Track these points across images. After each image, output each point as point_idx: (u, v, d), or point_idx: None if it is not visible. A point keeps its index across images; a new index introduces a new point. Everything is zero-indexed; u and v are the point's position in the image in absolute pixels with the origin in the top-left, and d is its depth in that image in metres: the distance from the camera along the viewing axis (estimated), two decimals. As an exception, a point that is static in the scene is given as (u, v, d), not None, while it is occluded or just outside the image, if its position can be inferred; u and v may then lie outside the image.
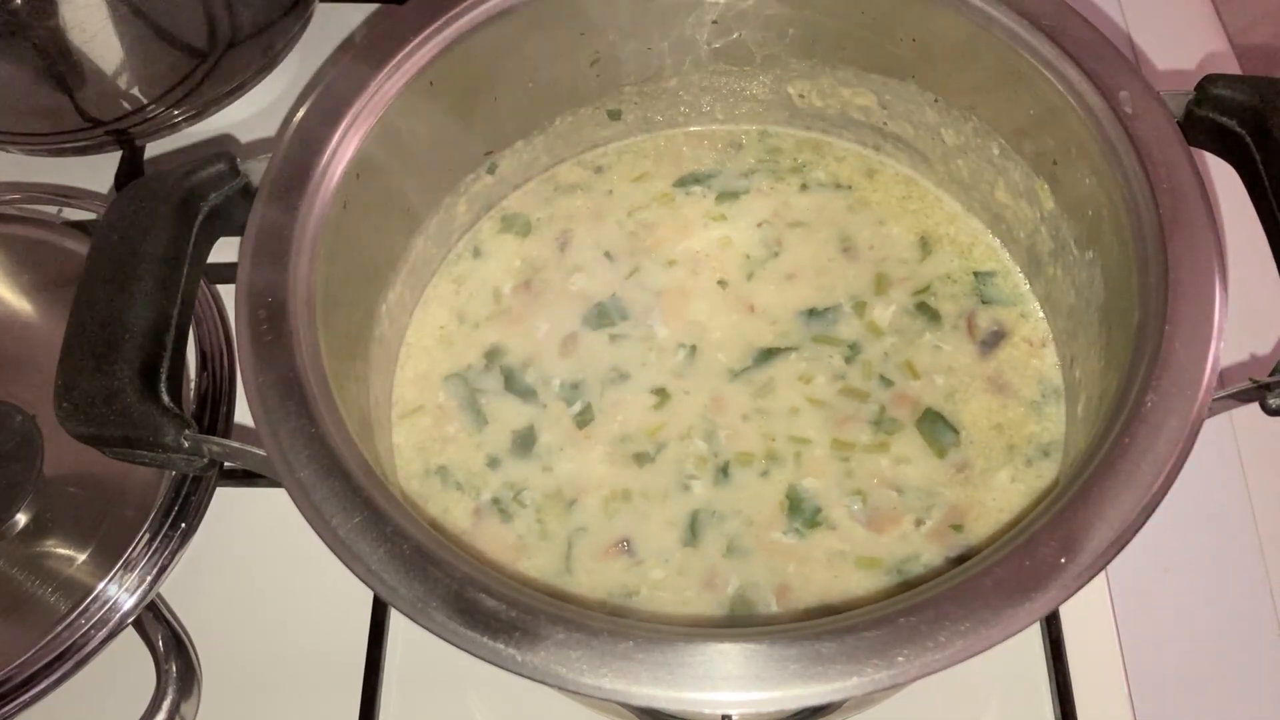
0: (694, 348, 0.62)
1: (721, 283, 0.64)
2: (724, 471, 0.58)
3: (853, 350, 0.61)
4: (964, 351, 0.61)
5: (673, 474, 0.58)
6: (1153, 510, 0.42)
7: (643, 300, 0.64)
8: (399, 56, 0.56)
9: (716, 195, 0.68)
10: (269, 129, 0.85)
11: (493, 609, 0.41)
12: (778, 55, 0.65)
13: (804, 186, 0.68)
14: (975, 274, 0.64)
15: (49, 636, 0.59)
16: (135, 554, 0.61)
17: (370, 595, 0.63)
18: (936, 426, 0.58)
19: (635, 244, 0.66)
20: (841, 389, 0.60)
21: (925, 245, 0.65)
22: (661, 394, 0.61)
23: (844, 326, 0.62)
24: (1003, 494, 0.57)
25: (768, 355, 0.62)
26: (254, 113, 0.85)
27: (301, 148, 0.53)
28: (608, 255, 0.66)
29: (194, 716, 0.62)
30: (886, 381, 0.60)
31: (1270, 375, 0.47)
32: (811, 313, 0.63)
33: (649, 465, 0.58)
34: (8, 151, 0.80)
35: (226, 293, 0.74)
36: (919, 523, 0.56)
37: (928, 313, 0.62)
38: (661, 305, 0.64)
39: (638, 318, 0.63)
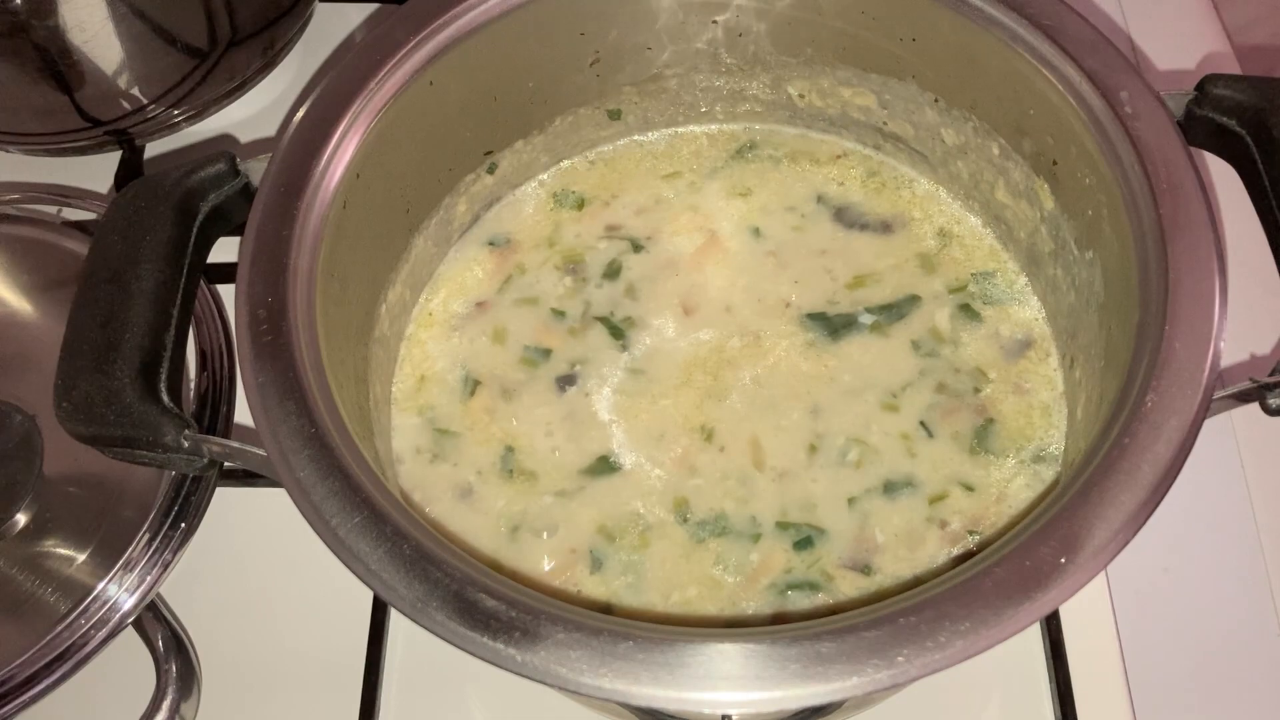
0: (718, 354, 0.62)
1: (736, 274, 0.64)
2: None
3: (921, 351, 0.61)
4: (994, 354, 0.61)
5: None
6: (1153, 510, 0.42)
7: (653, 293, 0.64)
8: (399, 56, 0.56)
9: (715, 192, 0.68)
10: (269, 129, 0.85)
11: (493, 609, 0.41)
12: (778, 55, 0.65)
13: (804, 184, 0.68)
14: (973, 275, 0.64)
15: (49, 636, 0.59)
16: (135, 554, 0.61)
17: (370, 595, 0.63)
18: (991, 431, 0.58)
19: (640, 235, 0.66)
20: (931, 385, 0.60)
21: (928, 245, 0.65)
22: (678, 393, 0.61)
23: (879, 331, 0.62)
24: (1014, 496, 0.57)
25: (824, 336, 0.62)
26: (254, 113, 0.85)
27: (301, 148, 0.53)
28: (615, 247, 0.66)
29: (194, 716, 0.62)
30: (980, 377, 0.60)
31: (1270, 375, 0.47)
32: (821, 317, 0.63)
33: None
34: (8, 151, 0.80)
35: (226, 293, 0.74)
36: (943, 525, 0.56)
37: (969, 313, 0.62)
38: (675, 300, 0.64)
39: (649, 314, 0.64)
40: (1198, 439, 0.44)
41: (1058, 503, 0.43)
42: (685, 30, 0.64)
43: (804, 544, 0.55)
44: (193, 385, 0.67)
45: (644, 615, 0.54)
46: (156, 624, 0.62)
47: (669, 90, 0.67)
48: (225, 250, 0.55)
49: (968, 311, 0.62)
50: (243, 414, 0.67)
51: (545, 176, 0.69)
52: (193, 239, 0.52)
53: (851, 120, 0.67)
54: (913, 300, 0.63)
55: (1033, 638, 0.63)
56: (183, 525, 0.63)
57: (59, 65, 0.72)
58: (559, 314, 0.64)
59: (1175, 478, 0.43)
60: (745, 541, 0.56)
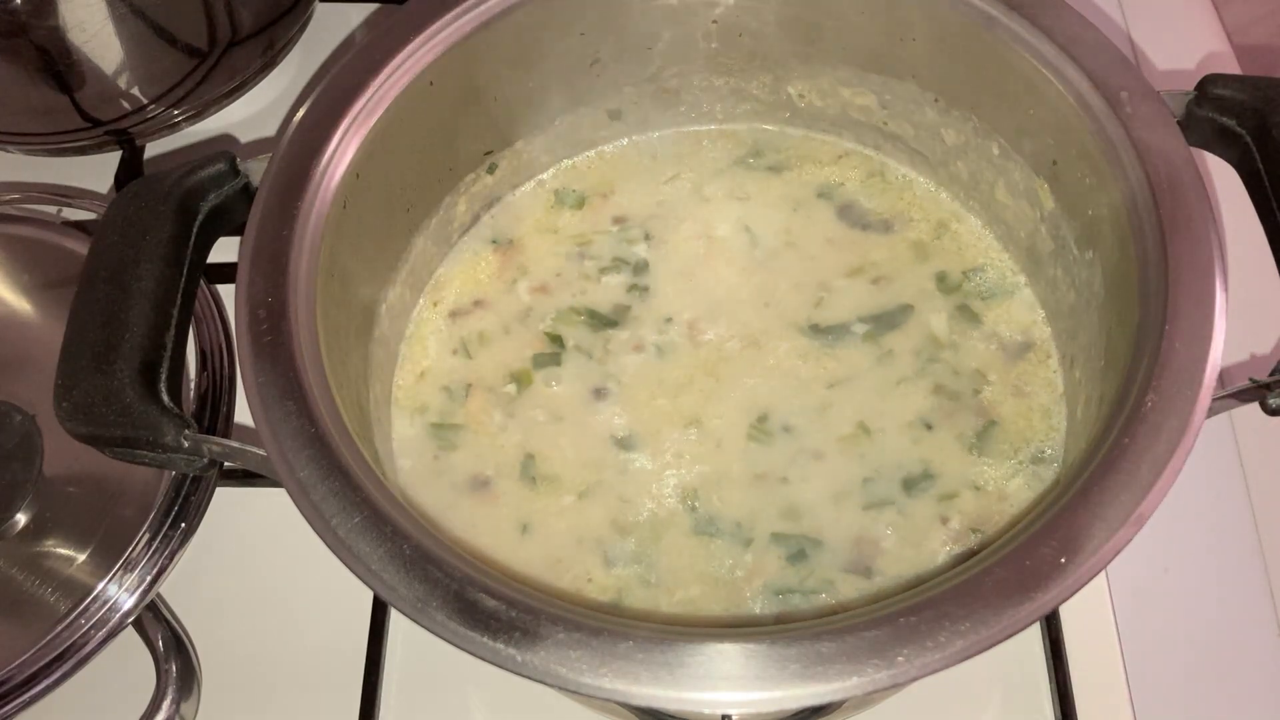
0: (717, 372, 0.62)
1: (736, 276, 0.64)
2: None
3: (921, 356, 0.61)
4: (994, 354, 0.61)
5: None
6: (1153, 510, 0.42)
7: (653, 293, 0.64)
8: (399, 56, 0.56)
9: (715, 193, 0.68)
10: (269, 129, 0.85)
11: (493, 609, 0.41)
12: (778, 55, 0.65)
13: (804, 185, 0.68)
14: (966, 272, 0.63)
15: (49, 636, 0.59)
16: (135, 554, 0.61)
17: (370, 595, 0.63)
18: (994, 433, 0.58)
19: (640, 236, 0.66)
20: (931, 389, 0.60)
21: (927, 243, 0.65)
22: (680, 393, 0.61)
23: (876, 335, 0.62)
24: (1015, 496, 0.57)
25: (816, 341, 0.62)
26: (254, 113, 0.85)
27: (301, 148, 0.53)
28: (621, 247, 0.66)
29: (194, 716, 0.62)
30: (979, 380, 0.60)
31: (1270, 375, 0.47)
32: (818, 326, 0.63)
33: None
34: (8, 151, 0.80)
35: (226, 293, 0.74)
36: (944, 521, 0.56)
37: (968, 314, 0.62)
38: (674, 301, 0.64)
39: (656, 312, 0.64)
40: (1198, 439, 0.44)
41: (1058, 503, 0.43)
42: (685, 30, 0.64)
43: (798, 555, 0.55)
44: (193, 385, 0.67)
45: (649, 615, 0.55)
46: (156, 624, 0.62)
47: (669, 90, 0.67)
48: (225, 250, 0.55)
49: (966, 313, 0.62)
50: (243, 414, 0.67)
51: (545, 176, 0.69)
52: (193, 239, 0.52)
53: (851, 120, 0.67)
54: (912, 303, 0.63)
55: (1033, 638, 0.63)
56: (183, 525, 0.63)
57: (59, 65, 0.72)
58: (558, 314, 0.64)
59: (1175, 478, 0.43)
60: (739, 545, 0.56)
